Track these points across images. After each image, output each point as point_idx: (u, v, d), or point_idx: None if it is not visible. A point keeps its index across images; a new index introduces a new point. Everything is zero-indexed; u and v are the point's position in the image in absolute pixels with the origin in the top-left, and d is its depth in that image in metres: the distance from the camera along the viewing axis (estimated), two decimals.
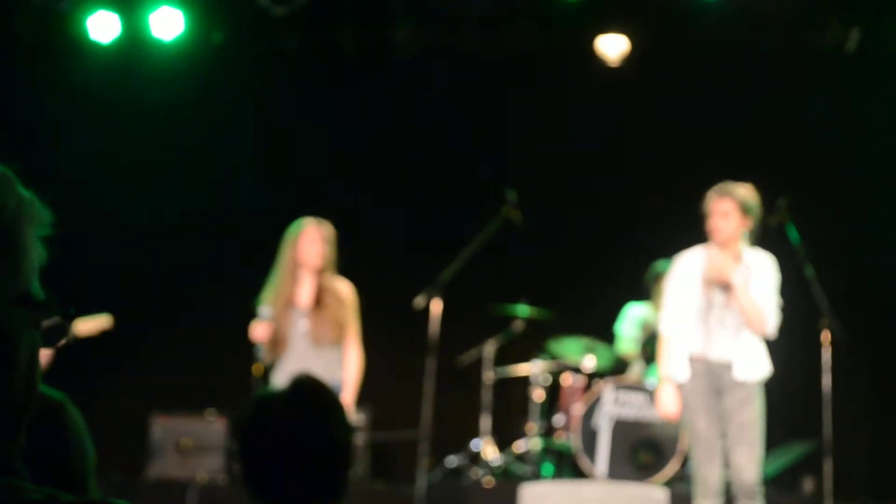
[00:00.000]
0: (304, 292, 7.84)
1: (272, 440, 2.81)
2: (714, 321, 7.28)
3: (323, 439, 2.81)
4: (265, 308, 7.79)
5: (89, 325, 8.28)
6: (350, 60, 10.97)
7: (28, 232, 1.37)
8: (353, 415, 8.07)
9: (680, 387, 7.33)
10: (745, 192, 7.25)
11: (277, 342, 7.76)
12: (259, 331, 7.74)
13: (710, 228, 7.30)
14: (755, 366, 7.20)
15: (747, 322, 7.20)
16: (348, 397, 7.79)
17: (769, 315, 7.22)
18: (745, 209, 7.22)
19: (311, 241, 7.76)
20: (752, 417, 7.13)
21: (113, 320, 8.42)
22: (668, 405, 7.45)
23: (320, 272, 7.82)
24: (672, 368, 7.37)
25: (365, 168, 11.02)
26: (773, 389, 7.50)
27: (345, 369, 7.82)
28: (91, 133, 10.81)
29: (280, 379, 7.60)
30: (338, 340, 7.82)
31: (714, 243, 7.33)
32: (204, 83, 11.02)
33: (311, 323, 7.74)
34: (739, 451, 7.11)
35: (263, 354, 7.79)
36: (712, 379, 7.23)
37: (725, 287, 7.27)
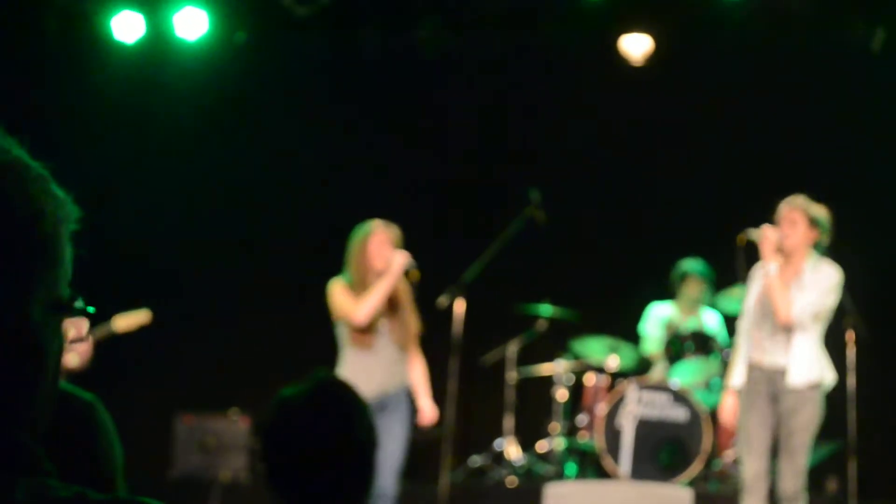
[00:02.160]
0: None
1: (294, 440, 2.81)
2: (766, 330, 7.32)
3: (345, 440, 2.81)
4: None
5: (128, 320, 8.29)
6: (373, 60, 10.98)
7: (65, 236, 1.38)
8: (436, 416, 8.04)
9: (738, 391, 7.39)
10: (815, 207, 7.29)
11: (363, 335, 7.64)
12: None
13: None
14: (809, 372, 7.21)
15: (772, 307, 7.22)
16: (429, 399, 7.86)
17: (798, 306, 7.22)
18: (812, 221, 7.25)
19: (380, 243, 7.70)
20: (801, 425, 7.18)
21: (151, 315, 8.41)
22: (727, 415, 7.53)
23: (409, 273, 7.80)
24: (734, 378, 7.44)
25: (388, 168, 11.02)
26: None
27: (420, 372, 7.83)
28: (116, 133, 10.85)
29: (353, 374, 7.40)
30: (410, 344, 7.82)
31: (780, 251, 7.34)
32: (228, 83, 11.04)
33: (391, 324, 7.69)
34: (782, 458, 7.20)
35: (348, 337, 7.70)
36: (768, 386, 7.28)
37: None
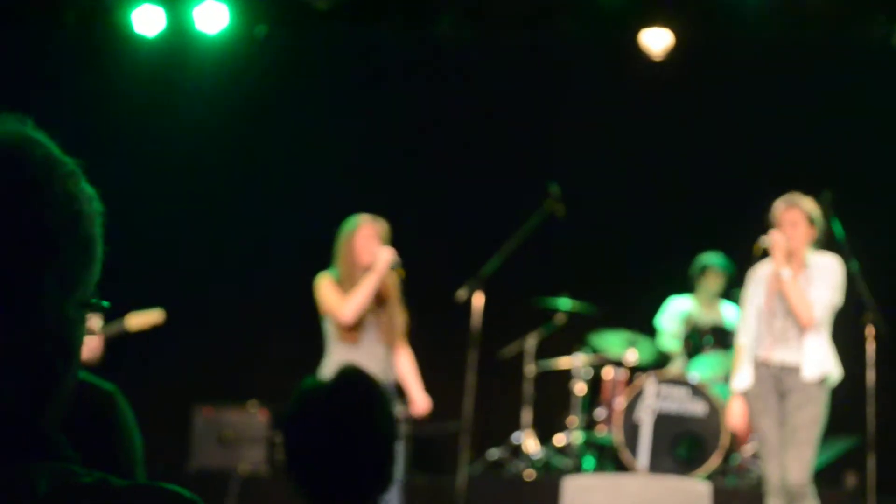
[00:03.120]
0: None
1: (316, 431, 2.81)
2: (777, 329, 7.32)
3: (366, 432, 2.81)
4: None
5: (142, 319, 8.33)
6: (392, 53, 10.99)
7: (100, 234, 1.39)
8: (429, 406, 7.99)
9: (746, 392, 7.39)
10: (810, 203, 7.29)
11: (349, 330, 7.64)
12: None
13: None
14: (817, 368, 7.22)
15: (794, 311, 7.23)
16: (421, 391, 7.82)
17: (817, 306, 7.23)
18: (811, 220, 7.26)
19: (366, 237, 7.67)
20: (807, 419, 7.18)
21: (165, 315, 8.45)
22: (734, 419, 7.53)
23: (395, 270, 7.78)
24: (740, 380, 7.42)
25: (408, 161, 11.03)
26: None
27: (409, 364, 7.82)
28: (135, 126, 10.88)
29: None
30: (396, 339, 7.79)
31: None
32: (248, 76, 11.06)
33: (377, 319, 7.67)
34: (789, 452, 7.18)
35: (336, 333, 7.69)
36: (776, 383, 7.29)
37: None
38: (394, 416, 2.90)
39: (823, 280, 7.29)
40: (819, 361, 7.24)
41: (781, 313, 7.33)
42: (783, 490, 7.18)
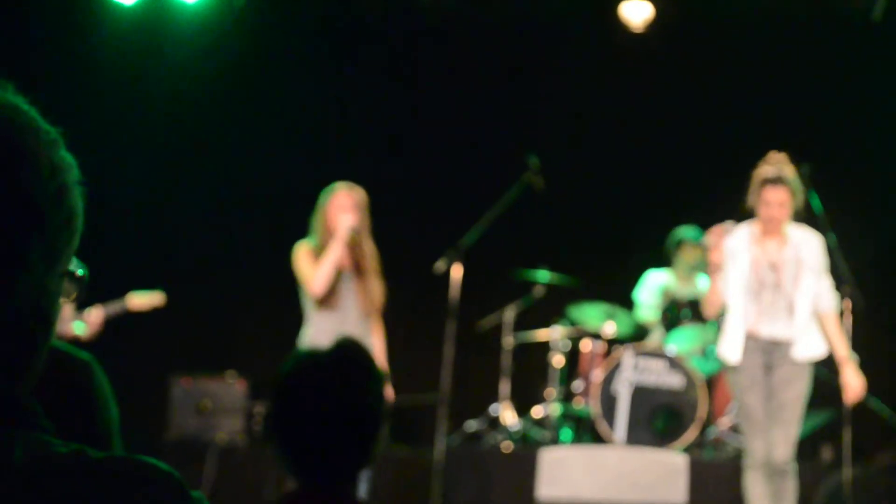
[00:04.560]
0: (345, 257, 7.73)
1: (306, 399, 2.80)
2: (766, 301, 7.30)
3: (356, 406, 2.80)
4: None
5: (142, 300, 8.36)
6: (374, 24, 10.95)
7: (81, 206, 1.38)
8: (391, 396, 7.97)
9: (733, 366, 7.36)
10: (790, 171, 7.22)
11: (326, 298, 7.61)
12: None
13: (766, 218, 7.24)
14: (806, 345, 7.23)
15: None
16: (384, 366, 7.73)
17: (833, 299, 7.29)
18: (795, 192, 7.21)
19: (341, 206, 7.65)
20: (794, 397, 7.19)
21: (166, 298, 8.49)
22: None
23: (356, 237, 7.73)
24: (732, 352, 7.38)
25: (387, 132, 11.01)
26: None
27: (377, 337, 7.78)
28: (112, 95, 10.82)
29: (317, 336, 7.45)
30: (373, 308, 7.76)
31: (766, 228, 7.30)
32: (227, 46, 11.02)
33: (356, 287, 7.65)
34: (774, 429, 7.18)
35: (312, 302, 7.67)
36: (763, 356, 7.27)
37: (775, 266, 7.28)
38: (383, 396, 2.89)
39: (820, 266, 7.30)
40: (806, 340, 7.24)
41: (770, 287, 7.31)
42: (766, 465, 7.19)
